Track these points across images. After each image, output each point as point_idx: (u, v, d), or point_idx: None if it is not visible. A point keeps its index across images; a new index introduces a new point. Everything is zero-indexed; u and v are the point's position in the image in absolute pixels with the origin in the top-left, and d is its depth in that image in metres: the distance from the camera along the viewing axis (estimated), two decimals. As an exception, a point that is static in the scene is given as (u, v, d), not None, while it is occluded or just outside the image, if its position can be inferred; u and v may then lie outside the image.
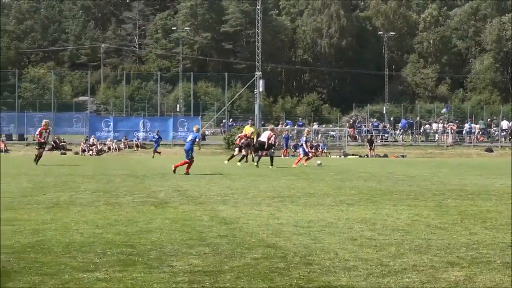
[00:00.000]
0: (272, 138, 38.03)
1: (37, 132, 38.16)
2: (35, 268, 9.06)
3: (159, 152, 55.16)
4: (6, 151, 58.66)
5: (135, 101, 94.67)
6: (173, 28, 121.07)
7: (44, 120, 39.51)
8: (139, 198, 18.54)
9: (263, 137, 38.44)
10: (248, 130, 41.65)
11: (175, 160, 36.20)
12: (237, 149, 42.57)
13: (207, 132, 73.99)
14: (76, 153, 58.83)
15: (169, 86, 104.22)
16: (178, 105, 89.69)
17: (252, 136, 40.30)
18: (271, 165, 36.33)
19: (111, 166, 37.28)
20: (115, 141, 64.44)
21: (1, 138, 62.95)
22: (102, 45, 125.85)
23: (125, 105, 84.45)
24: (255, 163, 36.82)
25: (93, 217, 14.43)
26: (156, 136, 56.05)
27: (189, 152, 30.05)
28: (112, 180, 25.72)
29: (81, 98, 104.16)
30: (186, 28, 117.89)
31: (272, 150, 38.48)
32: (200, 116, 74.97)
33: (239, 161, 39.09)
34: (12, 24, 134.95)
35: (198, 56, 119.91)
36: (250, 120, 55.69)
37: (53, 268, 9.03)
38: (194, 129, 34.26)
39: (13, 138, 66.13)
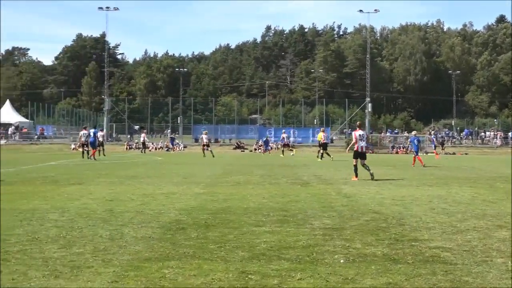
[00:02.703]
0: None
1: (205, 140, 40.03)
2: (225, 223, 9.25)
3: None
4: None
5: (288, 117, 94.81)
6: (312, 70, 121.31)
7: (204, 131, 41.50)
8: (290, 180, 18.61)
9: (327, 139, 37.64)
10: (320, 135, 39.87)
11: (314, 156, 36.20)
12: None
13: (334, 138, 73.36)
14: (250, 151, 59.43)
15: (309, 107, 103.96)
16: (315, 120, 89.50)
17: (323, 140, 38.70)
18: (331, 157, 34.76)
19: (273, 159, 37.55)
20: (275, 143, 64.84)
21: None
22: (267, 82, 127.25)
23: (281, 120, 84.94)
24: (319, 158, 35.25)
25: (261, 191, 14.59)
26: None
27: (417, 151, 29.27)
28: (273, 168, 25.93)
29: (253, 115, 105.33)
30: (320, 70, 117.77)
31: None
32: (330, 127, 74.41)
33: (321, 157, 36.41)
34: (211, 69, 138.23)
35: (328, 88, 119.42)
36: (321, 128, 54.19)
37: (236, 224, 9.19)
38: (413, 133, 33.35)
39: (211, 141, 67.55)
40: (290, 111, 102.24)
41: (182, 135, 74.33)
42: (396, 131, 78.44)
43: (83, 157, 33.84)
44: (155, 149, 59.24)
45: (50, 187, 15.30)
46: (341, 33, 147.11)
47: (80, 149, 37.75)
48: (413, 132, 36.33)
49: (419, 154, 29.91)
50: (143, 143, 50.80)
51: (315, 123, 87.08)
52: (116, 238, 7.89)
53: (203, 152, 40.01)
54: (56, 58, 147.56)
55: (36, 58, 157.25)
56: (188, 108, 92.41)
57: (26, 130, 70.37)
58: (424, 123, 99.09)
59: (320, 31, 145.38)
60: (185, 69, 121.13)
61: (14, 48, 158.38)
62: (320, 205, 11.88)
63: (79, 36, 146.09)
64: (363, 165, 19.16)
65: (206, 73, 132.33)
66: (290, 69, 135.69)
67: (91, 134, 34.25)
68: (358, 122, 21.36)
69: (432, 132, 60.91)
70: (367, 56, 78.44)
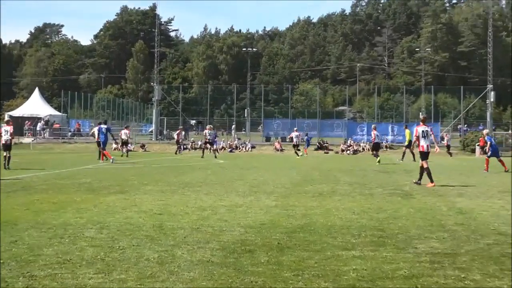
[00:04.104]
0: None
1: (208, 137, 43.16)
2: (304, 245, 9.23)
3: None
4: (281, 150, 60.16)
5: (385, 109, 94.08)
6: (416, 49, 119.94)
7: (208, 126, 43.69)
8: (388, 190, 18.43)
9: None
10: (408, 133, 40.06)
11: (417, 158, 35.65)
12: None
13: (445, 136, 72.13)
14: (336, 152, 59.20)
15: (413, 97, 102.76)
16: (420, 113, 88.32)
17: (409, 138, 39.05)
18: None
19: (365, 163, 37.27)
20: (367, 143, 64.47)
21: (278, 140, 64.79)
22: (358, 65, 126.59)
23: (376, 113, 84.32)
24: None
25: (350, 205, 14.51)
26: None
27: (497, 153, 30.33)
28: (366, 175, 25.74)
29: (341, 107, 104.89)
30: (427, 49, 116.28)
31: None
32: (439, 122, 73.28)
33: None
34: (287, 49, 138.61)
35: (437, 72, 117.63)
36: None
37: (318, 246, 9.16)
38: (485, 132, 33.60)
39: (286, 140, 67.67)
40: (388, 101, 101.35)
41: (249, 132, 74.79)
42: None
43: (122, 156, 34.83)
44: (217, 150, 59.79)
45: (86, 197, 15.66)
46: (454, 0, 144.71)
47: (124, 150, 41.67)
48: (485, 131, 35.60)
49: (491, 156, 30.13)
50: (177, 141, 51.85)
51: (420, 117, 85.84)
52: (166, 262, 7.97)
53: (203, 152, 41.91)
54: (96, 36, 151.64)
55: (72, 37, 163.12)
56: (258, 98, 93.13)
57: (58, 125, 72.37)
58: None
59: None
60: (254, 49, 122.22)
61: (45, 25, 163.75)
62: (426, 223, 11.73)
63: (124, 9, 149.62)
64: (426, 168, 20.30)
65: (281, 54, 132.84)
66: (388, 48, 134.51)
67: (103, 130, 34.45)
68: (422, 116, 22.66)
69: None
70: (489, 30, 76.74)
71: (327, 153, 58.82)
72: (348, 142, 62.87)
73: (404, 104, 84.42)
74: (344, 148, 60.14)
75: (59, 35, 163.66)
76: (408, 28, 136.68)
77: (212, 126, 46.88)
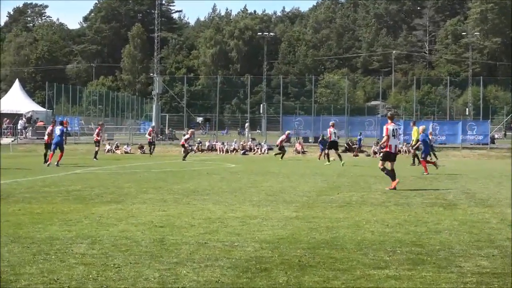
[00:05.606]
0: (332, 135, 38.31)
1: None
2: (329, 263, 9.25)
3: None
4: (303, 152, 59.97)
5: (425, 105, 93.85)
6: (463, 33, 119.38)
7: (190, 130, 46.17)
8: (427, 199, 18.39)
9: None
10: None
11: (463, 163, 35.59)
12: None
13: (496, 136, 71.82)
14: (368, 155, 58.95)
15: (458, 90, 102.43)
16: (467, 109, 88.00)
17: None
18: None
19: (402, 167, 37.08)
20: (405, 143, 64.19)
21: (299, 140, 64.51)
22: (393, 52, 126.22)
23: (415, 109, 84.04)
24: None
25: (384, 216, 14.52)
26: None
27: (427, 154, 31.72)
28: (402, 181, 25.67)
29: (373, 102, 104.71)
30: (476, 33, 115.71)
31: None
32: (490, 120, 72.92)
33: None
34: (310, 33, 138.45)
35: (487, 60, 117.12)
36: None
37: (345, 264, 9.19)
38: (421, 129, 33.90)
39: (310, 141, 67.43)
40: (429, 95, 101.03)
41: (265, 131, 74.66)
42: None
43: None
44: (226, 151, 59.87)
45: (75, 207, 15.74)
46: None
47: (118, 152, 42.18)
48: (421, 128, 35.50)
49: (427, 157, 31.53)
50: (150, 142, 51.34)
51: (467, 113, 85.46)
52: (168, 282, 8.04)
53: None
54: (86, 19, 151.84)
55: (57, 20, 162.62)
56: (276, 91, 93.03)
57: (42, 123, 72.36)
58: None
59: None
60: (271, 34, 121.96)
61: (26, 5, 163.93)
62: (473, 238, 11.72)
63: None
64: (392, 169, 21.47)
65: (303, 39, 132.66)
66: (430, 31, 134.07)
67: (58, 131, 34.35)
68: (389, 113, 23.58)
69: None
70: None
71: (357, 155, 58.65)
72: (380, 142, 62.41)
73: (448, 99, 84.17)
74: (376, 150, 59.77)
75: (43, 18, 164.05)
76: (453, 8, 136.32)
77: (193, 131, 49.90)
